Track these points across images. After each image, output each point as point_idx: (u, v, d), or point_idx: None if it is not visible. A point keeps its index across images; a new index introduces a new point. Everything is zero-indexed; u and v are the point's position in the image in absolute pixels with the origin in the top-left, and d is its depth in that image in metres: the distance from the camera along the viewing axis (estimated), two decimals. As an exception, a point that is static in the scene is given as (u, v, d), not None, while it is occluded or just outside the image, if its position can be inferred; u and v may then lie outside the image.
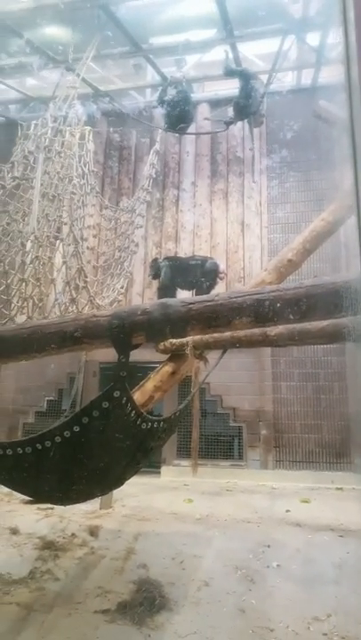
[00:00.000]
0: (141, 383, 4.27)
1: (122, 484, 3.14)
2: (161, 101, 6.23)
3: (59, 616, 2.93)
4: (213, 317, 2.27)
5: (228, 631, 2.79)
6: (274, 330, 3.73)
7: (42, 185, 4.30)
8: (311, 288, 2.12)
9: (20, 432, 7.47)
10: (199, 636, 2.75)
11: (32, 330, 2.33)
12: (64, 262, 4.30)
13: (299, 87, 7.69)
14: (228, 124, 6.45)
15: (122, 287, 5.43)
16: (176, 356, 4.31)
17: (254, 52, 7.67)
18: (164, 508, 5.17)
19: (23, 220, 4.34)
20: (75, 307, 4.34)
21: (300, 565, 3.67)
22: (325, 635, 2.73)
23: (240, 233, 7.57)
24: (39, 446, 2.39)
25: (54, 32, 6.53)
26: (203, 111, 8.24)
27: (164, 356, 4.39)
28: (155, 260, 6.55)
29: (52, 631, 2.77)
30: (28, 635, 2.74)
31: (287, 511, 5.05)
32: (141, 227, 5.93)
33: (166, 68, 7.99)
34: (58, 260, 4.69)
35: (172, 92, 6.17)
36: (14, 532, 4.23)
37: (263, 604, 3.11)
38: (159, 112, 8.27)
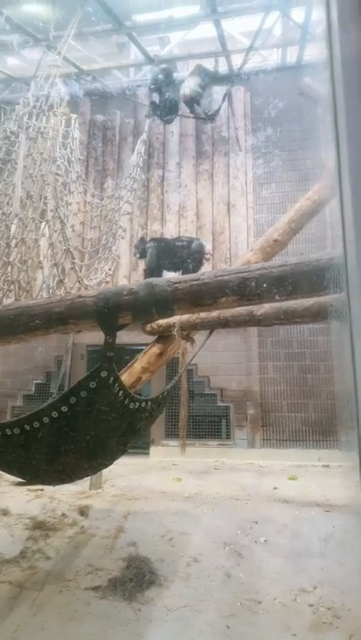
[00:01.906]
0: (129, 365, 4.28)
1: (111, 463, 3.17)
2: (153, 90, 6.14)
3: (50, 593, 2.97)
4: (199, 296, 2.27)
5: (217, 604, 2.87)
6: (260, 309, 3.75)
7: (25, 166, 4.21)
8: (297, 265, 2.12)
9: (9, 415, 7.45)
10: (189, 609, 2.82)
11: (18, 311, 2.31)
12: (50, 244, 4.23)
13: (284, 65, 7.58)
14: (211, 117, 6.40)
15: (109, 269, 5.40)
16: (163, 337, 4.32)
17: (239, 30, 7.54)
18: (153, 487, 5.24)
19: (7, 203, 4.25)
20: (62, 289, 4.30)
21: (287, 540, 3.76)
22: (311, 605, 2.82)
23: (226, 214, 7.53)
24: (27, 427, 2.39)
25: (34, 9, 6.32)
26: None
27: (151, 339, 4.39)
28: (141, 240, 6.50)
29: (43, 608, 2.81)
30: (20, 612, 2.78)
31: (275, 488, 5.15)
32: (129, 213, 5.87)
33: (150, 47, 7.81)
34: (44, 243, 4.63)
35: (162, 80, 6.07)
36: (5, 513, 4.26)
37: (251, 577, 3.19)
38: (144, 93, 8.13)
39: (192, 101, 6.10)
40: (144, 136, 5.80)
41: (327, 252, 4.17)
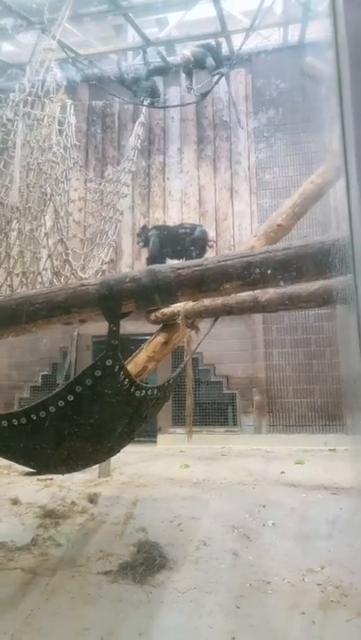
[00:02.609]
0: (135, 354, 4.28)
1: (118, 451, 3.19)
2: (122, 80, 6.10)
3: (62, 578, 3.02)
4: (203, 282, 2.26)
5: (226, 585, 2.90)
6: (264, 295, 3.72)
7: (22, 155, 4.16)
8: (301, 248, 2.10)
9: (16, 407, 7.51)
10: (199, 591, 2.86)
11: (20, 300, 2.31)
12: (45, 234, 4.20)
13: (286, 45, 7.43)
14: (204, 95, 6.32)
15: (106, 256, 5.36)
16: (168, 326, 4.31)
17: (239, 9, 7.39)
18: (161, 474, 5.28)
19: (4, 194, 4.21)
20: (59, 280, 4.28)
21: (295, 523, 3.79)
22: (319, 585, 2.85)
23: (229, 199, 7.47)
24: (34, 417, 2.41)
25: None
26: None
27: (156, 328, 4.39)
28: (144, 228, 6.47)
29: (56, 593, 2.86)
30: (33, 597, 2.82)
31: (282, 473, 5.18)
32: (127, 196, 5.82)
33: (148, 29, 7.68)
34: (42, 233, 4.60)
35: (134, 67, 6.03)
36: (15, 502, 4.31)
37: (260, 559, 3.22)
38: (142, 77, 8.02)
39: (189, 65, 6.02)
40: (142, 118, 5.74)
41: (332, 234, 4.13)
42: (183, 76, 6.46)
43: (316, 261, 2.05)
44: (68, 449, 2.70)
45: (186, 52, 6.07)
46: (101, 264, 5.16)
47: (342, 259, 2.01)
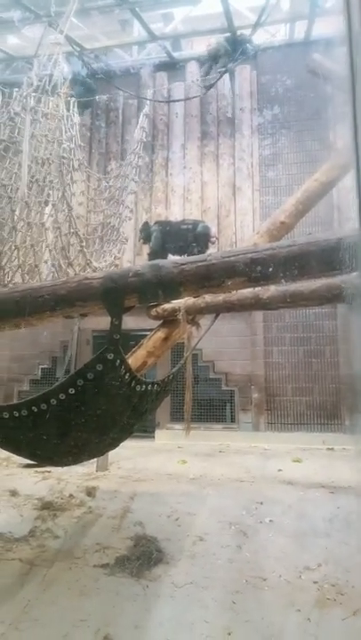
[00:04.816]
0: (135, 349, 4.29)
1: (117, 445, 3.20)
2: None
3: (60, 570, 3.03)
4: (206, 277, 2.25)
5: (222, 581, 2.92)
6: (266, 292, 3.72)
7: (30, 148, 4.15)
8: (305, 245, 2.10)
9: (16, 400, 7.52)
10: (195, 586, 2.87)
11: (24, 293, 2.30)
12: (57, 228, 4.20)
13: (292, 41, 7.40)
14: (208, 87, 6.31)
15: (118, 251, 5.37)
16: (168, 321, 4.31)
17: (245, 5, 7.35)
18: (158, 469, 5.30)
19: (14, 186, 4.20)
20: (71, 272, 4.29)
21: (292, 520, 3.81)
22: (316, 582, 2.86)
23: (231, 196, 7.45)
24: (35, 409, 2.41)
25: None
26: (192, 70, 7.95)
27: (156, 324, 4.39)
28: (145, 224, 6.46)
29: (53, 584, 2.88)
30: (30, 587, 2.84)
31: (279, 470, 5.19)
32: (135, 192, 5.81)
33: (153, 24, 7.65)
34: (50, 226, 4.60)
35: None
36: (13, 493, 4.32)
37: (256, 556, 3.23)
38: (147, 72, 7.99)
39: (216, 54, 6.04)
40: (146, 109, 5.70)
41: (336, 231, 4.13)
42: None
43: (320, 259, 2.05)
44: (67, 442, 2.71)
45: (213, 41, 6.12)
46: (114, 259, 5.17)
47: (348, 256, 2.02)
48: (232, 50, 6.19)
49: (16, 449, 2.89)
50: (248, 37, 6.36)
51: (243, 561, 3.16)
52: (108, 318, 2.29)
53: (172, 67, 7.97)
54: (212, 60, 6.51)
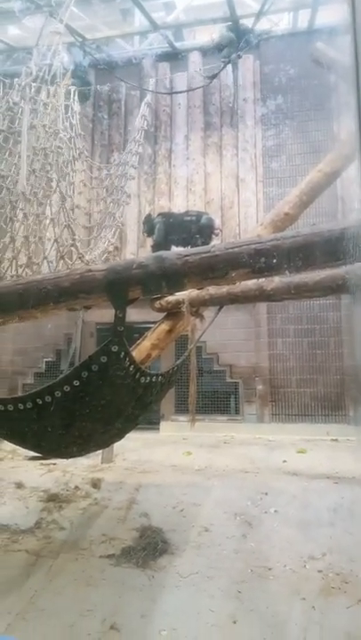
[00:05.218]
0: (138, 342, 4.29)
1: (122, 437, 3.21)
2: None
3: (66, 561, 3.06)
4: (210, 269, 2.24)
5: (227, 571, 2.94)
6: (270, 284, 3.71)
7: (28, 140, 4.13)
8: (310, 236, 2.08)
9: (20, 393, 7.56)
10: (200, 575, 2.89)
11: (27, 285, 2.30)
12: (52, 220, 4.19)
13: (295, 30, 7.30)
14: (212, 78, 6.25)
15: (113, 236, 5.36)
16: (172, 314, 4.31)
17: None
18: (163, 460, 5.32)
19: (13, 177, 4.19)
20: (66, 264, 4.29)
21: (296, 510, 3.82)
22: (321, 572, 2.88)
23: (235, 188, 7.41)
24: (39, 401, 2.42)
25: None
26: (195, 60, 7.86)
27: (160, 316, 4.39)
28: (148, 216, 6.43)
29: (59, 574, 2.91)
30: (37, 578, 2.87)
31: (284, 461, 5.21)
32: (134, 178, 5.80)
33: (155, 13, 7.56)
34: (47, 218, 4.59)
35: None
36: (19, 486, 4.36)
37: (261, 546, 3.25)
38: (149, 63, 7.92)
39: (220, 45, 6.00)
40: (148, 98, 5.68)
41: (340, 221, 4.09)
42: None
43: (324, 250, 2.04)
44: (72, 434, 2.72)
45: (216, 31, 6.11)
46: (107, 245, 5.17)
47: (352, 247, 2.00)
48: (237, 40, 6.12)
49: (21, 441, 2.90)
50: (251, 27, 6.29)
51: (248, 551, 3.18)
52: (112, 311, 2.29)
53: (174, 57, 7.89)
54: (217, 50, 6.45)
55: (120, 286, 2.26)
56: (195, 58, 7.82)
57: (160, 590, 2.76)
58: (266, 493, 4.14)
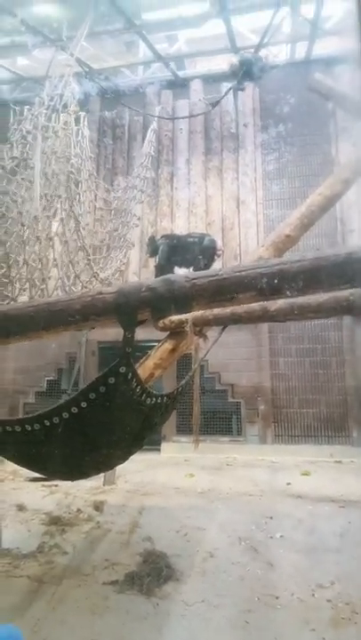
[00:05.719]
0: (141, 361, 4.29)
1: (127, 459, 3.18)
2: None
3: (69, 587, 2.99)
4: (218, 292, 2.27)
5: (234, 599, 2.87)
6: (273, 305, 3.73)
7: (42, 165, 4.23)
8: (315, 260, 2.11)
9: (21, 412, 7.52)
10: (206, 604, 2.83)
11: (39, 308, 2.32)
12: (65, 242, 4.27)
13: (293, 61, 7.54)
14: (215, 104, 6.41)
15: (124, 256, 5.46)
16: (175, 333, 4.32)
17: (248, 27, 7.50)
18: (166, 482, 5.26)
19: (25, 202, 4.28)
20: (79, 283, 4.35)
21: (303, 535, 3.76)
22: (330, 601, 2.81)
23: (235, 209, 7.53)
24: (47, 423, 2.41)
25: (48, 10, 6.41)
26: (196, 88, 8.09)
27: (162, 335, 4.40)
28: (152, 238, 6.51)
29: (62, 602, 2.84)
30: (39, 605, 2.80)
31: (288, 484, 5.15)
32: (142, 202, 5.94)
33: (158, 45, 7.81)
34: (57, 241, 4.66)
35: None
36: (21, 508, 4.30)
37: (268, 573, 3.18)
38: (153, 91, 8.14)
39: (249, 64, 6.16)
40: (154, 125, 5.85)
41: (345, 246, 4.15)
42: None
43: (330, 274, 2.07)
44: (78, 456, 2.70)
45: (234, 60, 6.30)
46: (120, 264, 5.26)
47: (356, 271, 2.04)
48: (248, 69, 6.31)
49: (27, 463, 2.88)
50: (261, 57, 6.48)
51: (254, 578, 3.12)
52: (114, 330, 2.31)
53: (176, 85, 8.12)
54: (232, 76, 6.63)
55: (129, 308, 2.28)
56: (196, 86, 8.05)
57: (165, 619, 2.69)
58: (271, 517, 4.08)
